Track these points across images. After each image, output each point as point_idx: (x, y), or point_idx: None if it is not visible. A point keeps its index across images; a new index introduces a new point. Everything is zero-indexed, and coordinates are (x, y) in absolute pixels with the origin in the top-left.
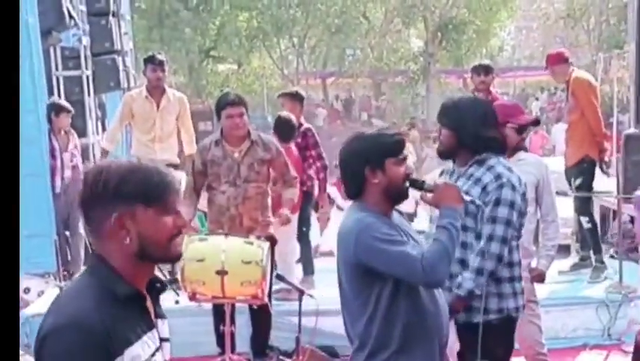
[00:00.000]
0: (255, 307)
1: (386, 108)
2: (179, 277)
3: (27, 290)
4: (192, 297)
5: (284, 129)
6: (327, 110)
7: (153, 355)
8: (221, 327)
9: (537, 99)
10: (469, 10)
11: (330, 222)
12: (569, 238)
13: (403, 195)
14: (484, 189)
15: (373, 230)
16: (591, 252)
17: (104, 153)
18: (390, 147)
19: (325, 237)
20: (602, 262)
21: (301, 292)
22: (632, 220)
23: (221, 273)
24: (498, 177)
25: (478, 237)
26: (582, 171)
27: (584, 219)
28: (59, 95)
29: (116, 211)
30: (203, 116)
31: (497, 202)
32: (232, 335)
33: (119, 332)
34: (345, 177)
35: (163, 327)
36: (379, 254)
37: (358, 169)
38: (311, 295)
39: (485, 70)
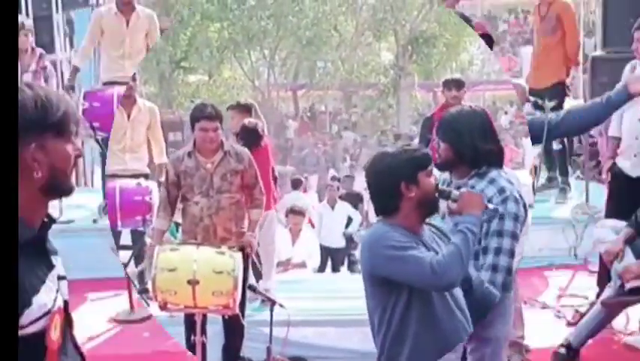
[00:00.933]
0: (227, 317)
1: (357, 121)
2: (149, 286)
3: None
4: (163, 307)
5: (250, 137)
6: (297, 122)
7: (55, 298)
8: (193, 337)
9: (506, 113)
10: (439, 24)
11: (302, 234)
12: (535, 160)
13: (435, 207)
14: (488, 202)
15: (386, 238)
16: (557, 173)
17: (75, 70)
18: (421, 161)
19: (297, 248)
20: (568, 184)
21: (272, 303)
22: (597, 142)
23: (193, 283)
24: (502, 190)
25: (484, 251)
26: (557, 94)
27: (554, 141)
28: (27, 12)
29: (31, 143)
30: (174, 126)
31: (502, 216)
32: (203, 345)
33: (25, 280)
34: (378, 195)
35: (58, 265)
36: (391, 261)
37: (393, 185)
38: (282, 305)
39: (457, 84)
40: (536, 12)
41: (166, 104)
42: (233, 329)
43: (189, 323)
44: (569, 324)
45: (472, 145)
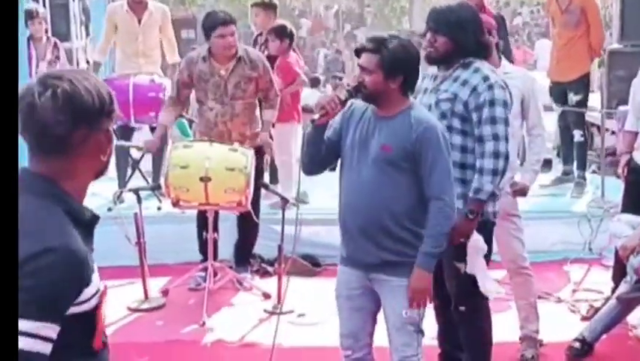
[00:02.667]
0: (238, 214)
1: (371, 21)
2: (162, 183)
3: None
4: (176, 203)
5: (288, 38)
6: (310, 20)
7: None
8: (204, 234)
9: (520, 14)
10: None
11: None
12: (551, 153)
13: None
14: (473, 90)
15: None
16: (574, 167)
17: (96, 65)
18: None
19: None
20: (584, 178)
21: (285, 201)
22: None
23: (205, 180)
24: (486, 78)
25: (480, 139)
26: (583, 87)
27: (577, 133)
28: (44, 0)
29: (104, 126)
30: (187, 23)
31: (492, 103)
32: (215, 242)
33: (89, 260)
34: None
35: None
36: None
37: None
38: (294, 203)
39: None
40: (555, 5)
41: (179, 1)
42: (247, 226)
43: (202, 220)
44: (584, 319)
45: (474, 38)
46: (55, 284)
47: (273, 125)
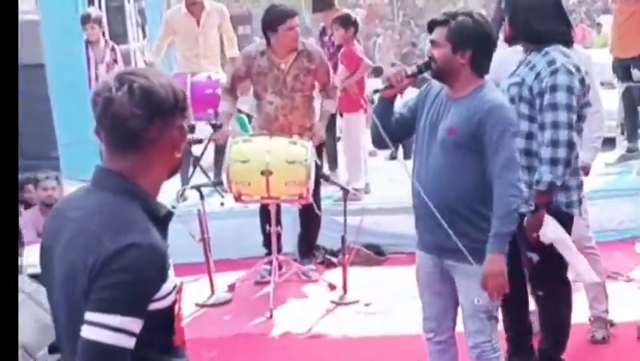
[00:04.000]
0: (300, 206)
1: (424, 8)
2: (224, 178)
3: None
4: (238, 198)
5: (353, 27)
6: (365, 9)
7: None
8: (268, 228)
9: None
10: None
11: None
12: (614, 131)
13: None
14: (537, 75)
15: None
16: (639, 143)
17: (151, 65)
18: None
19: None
20: None
21: (346, 192)
22: None
23: (266, 173)
24: (551, 62)
25: (542, 127)
26: None
27: None
28: (100, 2)
29: (178, 122)
30: (242, 20)
31: (554, 88)
32: (278, 235)
33: (166, 254)
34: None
35: None
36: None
37: None
38: (355, 193)
39: None
40: None
41: None
42: (309, 218)
43: (264, 213)
44: None
45: (526, 24)
46: (141, 279)
47: (341, 115)
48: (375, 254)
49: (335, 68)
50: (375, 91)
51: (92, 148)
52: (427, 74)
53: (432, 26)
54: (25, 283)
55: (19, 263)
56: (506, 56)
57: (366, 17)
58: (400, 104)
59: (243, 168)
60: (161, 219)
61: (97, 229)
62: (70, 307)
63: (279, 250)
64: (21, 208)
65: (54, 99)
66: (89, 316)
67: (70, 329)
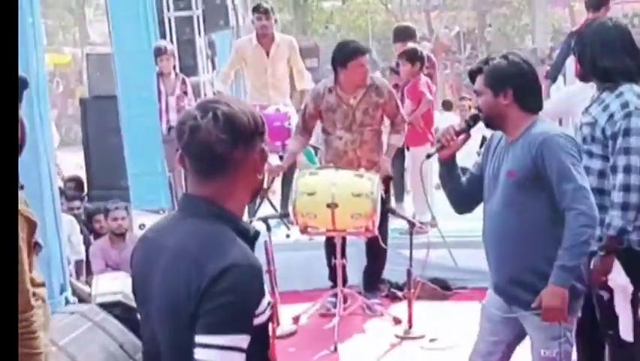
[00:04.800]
0: (366, 239)
1: (491, 40)
2: (290, 210)
3: (142, 226)
4: (304, 230)
5: (420, 61)
6: (432, 43)
7: None
8: (333, 260)
9: None
10: None
11: None
12: None
13: None
14: (611, 117)
15: None
16: None
17: (218, 94)
18: None
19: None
20: None
21: (412, 225)
22: None
23: (332, 206)
24: (625, 104)
25: (614, 170)
26: None
27: None
28: (171, 36)
29: (259, 146)
30: (309, 53)
31: (627, 132)
32: (344, 267)
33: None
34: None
35: None
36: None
37: None
38: (421, 226)
39: (596, 3)
40: None
41: (300, 31)
42: (375, 251)
43: (330, 246)
44: None
45: (593, 61)
46: (245, 297)
47: (408, 148)
48: (442, 289)
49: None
50: (428, 156)
51: (161, 179)
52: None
53: (473, 77)
54: (92, 312)
55: (89, 292)
56: (579, 92)
57: (433, 51)
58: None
59: (309, 200)
60: (251, 239)
61: (196, 254)
62: (174, 333)
63: (345, 283)
64: (91, 238)
65: (124, 130)
66: (201, 339)
67: (176, 355)
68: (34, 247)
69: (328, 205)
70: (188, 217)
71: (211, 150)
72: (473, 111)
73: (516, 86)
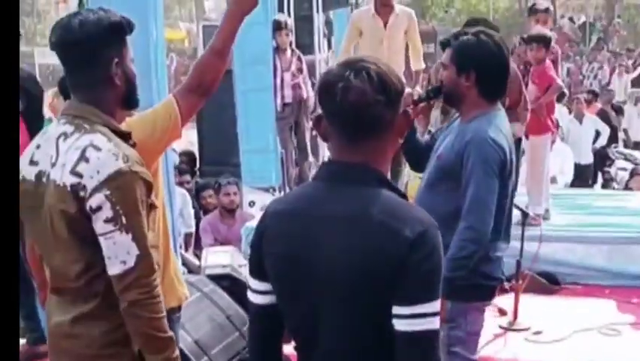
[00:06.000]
0: None
1: (619, 31)
2: None
3: (252, 203)
4: None
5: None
6: (555, 32)
7: None
8: None
9: None
10: None
11: (555, 147)
12: None
13: None
14: None
15: None
16: None
17: None
18: None
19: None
20: None
21: (525, 215)
22: None
23: None
24: None
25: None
26: None
27: None
28: (289, 11)
29: (402, 108)
30: (427, 37)
31: None
32: None
33: None
34: None
35: None
36: None
37: None
38: (535, 218)
39: None
40: None
41: (419, 14)
42: None
43: None
44: None
45: None
46: (440, 259)
47: (527, 137)
48: (550, 283)
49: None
50: None
51: (272, 157)
52: None
53: (443, 48)
54: (201, 283)
55: (198, 264)
56: None
57: (557, 41)
58: None
59: None
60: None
61: (381, 220)
62: (355, 304)
63: None
64: (200, 212)
65: (238, 106)
66: (413, 309)
67: (357, 325)
68: (151, 208)
69: None
70: (343, 185)
71: (367, 112)
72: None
73: (480, 70)
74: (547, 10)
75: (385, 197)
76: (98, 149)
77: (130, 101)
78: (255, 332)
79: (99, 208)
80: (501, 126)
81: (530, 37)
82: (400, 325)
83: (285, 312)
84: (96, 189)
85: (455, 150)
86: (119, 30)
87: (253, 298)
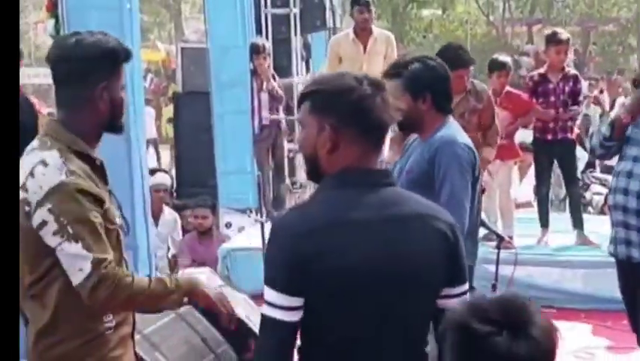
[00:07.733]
0: None
1: (594, 58)
2: None
3: (228, 225)
4: None
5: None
6: (532, 58)
7: None
8: None
9: None
10: None
11: (529, 172)
12: None
13: None
14: None
15: None
16: None
17: None
18: None
19: (523, 186)
20: None
21: (500, 239)
22: None
23: None
24: None
25: None
26: None
27: None
28: (266, 34)
29: None
30: None
31: None
32: None
33: None
34: None
35: None
36: None
37: None
38: (510, 241)
39: None
40: None
41: (398, 39)
42: None
43: None
44: None
45: None
46: None
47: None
48: None
49: None
50: None
51: (249, 178)
52: None
53: (389, 78)
54: None
55: None
56: None
57: (534, 67)
58: None
59: None
60: None
61: (434, 214)
62: (418, 294)
63: None
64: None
65: (215, 127)
66: (463, 288)
67: (420, 317)
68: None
69: None
70: (380, 188)
71: (388, 123)
72: None
73: (434, 91)
74: (568, 40)
75: (410, 193)
76: (45, 165)
77: (113, 127)
78: (279, 348)
79: (45, 223)
80: (462, 132)
81: (492, 65)
82: (451, 303)
83: (329, 323)
84: (38, 204)
85: (426, 158)
86: (113, 56)
87: (281, 315)
